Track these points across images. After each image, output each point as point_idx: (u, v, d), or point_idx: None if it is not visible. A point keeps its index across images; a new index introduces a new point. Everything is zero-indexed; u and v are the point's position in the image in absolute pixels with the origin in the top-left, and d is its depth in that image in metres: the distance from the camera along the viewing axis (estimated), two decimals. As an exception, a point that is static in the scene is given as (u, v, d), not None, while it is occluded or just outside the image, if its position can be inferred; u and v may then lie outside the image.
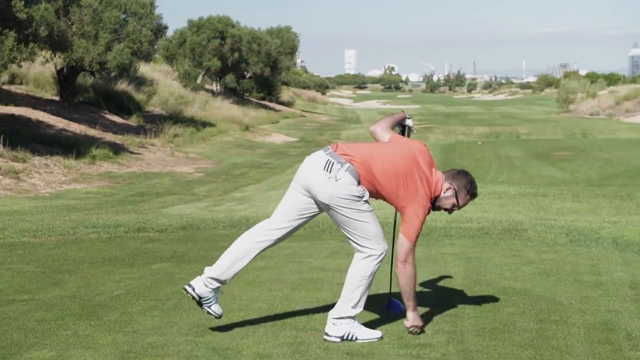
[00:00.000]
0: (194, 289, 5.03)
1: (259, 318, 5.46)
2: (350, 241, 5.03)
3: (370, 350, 4.80)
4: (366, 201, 4.94)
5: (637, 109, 55.13)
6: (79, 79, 28.42)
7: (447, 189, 5.09)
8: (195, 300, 5.05)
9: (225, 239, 8.89)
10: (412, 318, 5.06)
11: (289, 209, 5.04)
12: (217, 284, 5.05)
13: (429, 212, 5.05)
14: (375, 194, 5.01)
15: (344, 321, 4.98)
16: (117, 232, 9.29)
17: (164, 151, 25.13)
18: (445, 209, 5.16)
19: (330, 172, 4.87)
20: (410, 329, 5.07)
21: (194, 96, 39.28)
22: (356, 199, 4.89)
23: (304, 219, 5.06)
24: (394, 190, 4.95)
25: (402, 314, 5.37)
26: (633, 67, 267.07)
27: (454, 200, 5.11)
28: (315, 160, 4.98)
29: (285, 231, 5.05)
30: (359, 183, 4.89)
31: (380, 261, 5.02)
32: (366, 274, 4.98)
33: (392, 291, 5.55)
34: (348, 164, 4.88)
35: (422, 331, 5.08)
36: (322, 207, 4.98)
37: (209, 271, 5.06)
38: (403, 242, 4.97)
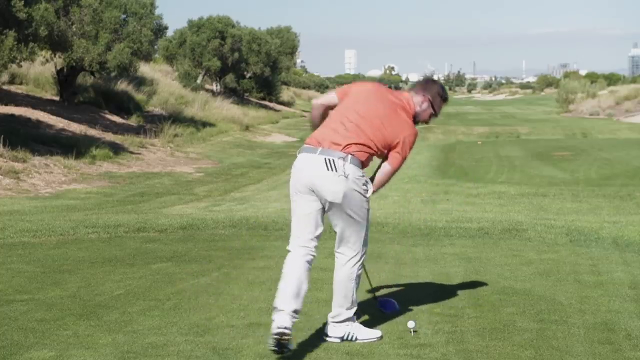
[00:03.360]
0: (286, 327, 4.64)
1: (259, 318, 5.46)
2: (342, 242, 4.93)
3: (370, 350, 4.80)
4: (368, 199, 4.90)
5: (637, 109, 55.14)
6: (79, 79, 28.42)
7: (422, 102, 5.12)
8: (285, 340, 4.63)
9: (225, 239, 8.91)
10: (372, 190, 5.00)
11: (306, 221, 4.88)
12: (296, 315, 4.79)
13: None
14: (376, 156, 4.98)
15: (344, 323, 4.98)
16: (117, 232, 9.29)
17: (164, 151, 25.13)
18: (424, 121, 5.18)
19: (336, 170, 4.74)
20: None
21: (194, 96, 39.28)
22: (364, 190, 4.82)
23: (321, 223, 4.91)
24: (384, 137, 4.89)
25: (398, 313, 5.38)
26: (633, 67, 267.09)
27: (430, 111, 5.16)
28: (313, 163, 4.81)
29: (314, 240, 4.91)
30: (362, 168, 4.84)
31: (363, 262, 5.05)
32: (353, 276, 4.97)
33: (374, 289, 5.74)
34: (349, 156, 4.77)
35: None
36: (328, 207, 4.84)
37: (289, 305, 4.73)
38: (396, 157, 4.96)
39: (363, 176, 4.83)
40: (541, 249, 8.26)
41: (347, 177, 4.74)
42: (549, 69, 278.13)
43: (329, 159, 4.76)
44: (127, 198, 15.55)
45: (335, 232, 4.94)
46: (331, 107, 5.11)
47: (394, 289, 6.33)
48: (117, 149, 22.51)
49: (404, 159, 4.97)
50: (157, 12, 28.19)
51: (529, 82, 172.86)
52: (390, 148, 4.94)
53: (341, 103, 5.03)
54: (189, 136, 29.10)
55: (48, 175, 17.77)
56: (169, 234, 9.31)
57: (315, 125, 5.15)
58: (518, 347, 4.85)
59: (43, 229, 9.27)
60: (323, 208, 4.85)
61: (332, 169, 4.74)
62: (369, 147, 4.85)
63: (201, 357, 4.68)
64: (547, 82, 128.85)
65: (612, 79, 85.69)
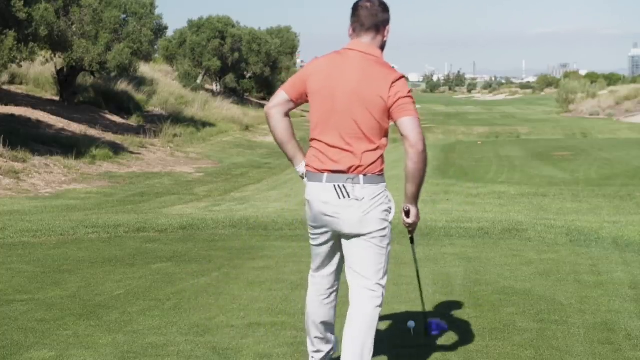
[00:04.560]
0: None
1: (259, 318, 5.46)
2: (359, 269, 4.00)
3: (370, 350, 4.79)
4: (390, 222, 4.07)
5: (637, 109, 55.14)
6: (79, 79, 28.43)
7: (383, 38, 4.08)
8: None
9: (225, 239, 8.91)
10: (416, 213, 4.20)
11: (323, 259, 4.17)
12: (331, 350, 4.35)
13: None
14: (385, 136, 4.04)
15: None
16: (117, 232, 9.29)
17: (164, 151, 25.12)
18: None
19: (349, 196, 3.92)
20: (410, 227, 4.28)
21: (194, 96, 39.29)
22: (386, 213, 4.02)
23: (341, 248, 4.14)
24: (375, 112, 3.93)
25: (398, 313, 5.36)
26: (633, 67, 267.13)
27: (387, 34, 4.06)
28: (323, 196, 3.97)
29: (335, 273, 4.23)
30: (380, 174, 4.00)
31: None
32: (375, 322, 3.99)
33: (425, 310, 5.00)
34: (359, 175, 3.93)
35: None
36: (342, 237, 4.05)
37: (322, 347, 4.30)
38: (412, 121, 3.91)
39: (381, 192, 3.99)
40: (541, 249, 8.26)
41: (360, 200, 3.93)
42: (549, 69, 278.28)
43: (336, 185, 3.96)
44: (127, 198, 15.55)
45: (347, 260, 4.09)
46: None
47: (394, 289, 6.33)
48: (117, 149, 22.51)
49: (417, 117, 3.95)
50: (157, 12, 28.23)
51: (529, 82, 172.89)
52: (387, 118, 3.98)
53: (320, 103, 4.10)
54: (189, 136, 29.10)
55: (48, 175, 17.77)
56: (169, 234, 9.31)
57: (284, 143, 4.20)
58: (518, 347, 4.85)
59: (43, 229, 9.27)
60: (339, 239, 4.08)
61: (342, 196, 3.95)
62: (371, 143, 3.98)
63: (201, 357, 4.68)
64: (547, 82, 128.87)
65: (612, 79, 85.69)
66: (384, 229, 4.01)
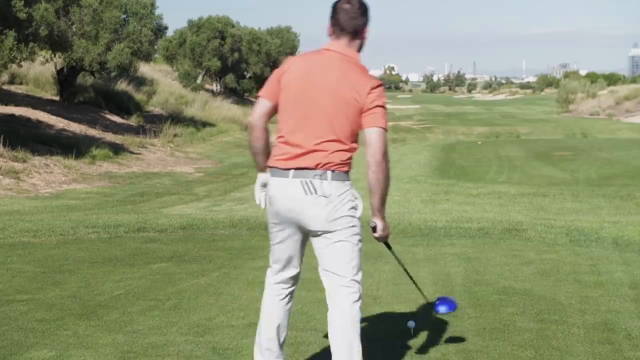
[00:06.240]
0: None
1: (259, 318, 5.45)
2: (332, 268, 3.95)
3: (370, 350, 4.79)
4: (359, 218, 3.98)
5: (637, 109, 55.16)
6: (79, 79, 28.44)
7: (362, 40, 4.07)
8: None
9: (225, 239, 8.91)
10: (383, 227, 4.04)
11: (285, 256, 4.08)
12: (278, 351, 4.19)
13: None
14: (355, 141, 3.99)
15: None
16: (117, 232, 9.29)
17: (164, 151, 25.13)
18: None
19: (316, 192, 3.86)
20: (381, 240, 4.12)
21: (194, 96, 39.31)
22: (353, 210, 3.93)
23: (303, 248, 4.11)
24: (349, 114, 3.90)
25: (398, 313, 5.36)
26: (633, 67, 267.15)
27: (366, 35, 4.06)
28: (289, 192, 3.91)
29: (296, 275, 4.17)
30: (347, 172, 3.93)
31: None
32: (357, 319, 3.96)
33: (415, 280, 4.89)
34: (327, 172, 3.87)
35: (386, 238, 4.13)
36: (308, 233, 3.99)
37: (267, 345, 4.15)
38: (378, 132, 3.87)
39: (348, 188, 3.92)
40: (541, 249, 8.27)
41: (328, 197, 3.87)
42: (549, 69, 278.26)
43: (303, 181, 3.89)
44: (127, 198, 15.55)
45: (319, 260, 4.03)
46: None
47: (394, 289, 6.33)
48: (117, 149, 22.51)
49: (385, 128, 3.92)
50: (157, 12, 28.28)
51: (529, 82, 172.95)
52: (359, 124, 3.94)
53: (294, 105, 4.03)
54: (189, 136, 29.12)
55: (48, 175, 17.77)
56: (169, 234, 9.31)
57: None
58: (518, 347, 4.85)
59: (43, 229, 9.27)
60: (305, 238, 4.04)
61: (309, 192, 3.88)
62: (343, 143, 3.92)
63: (201, 357, 4.68)
64: (547, 82, 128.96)
65: (612, 79, 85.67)
66: (354, 226, 3.94)
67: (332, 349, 3.94)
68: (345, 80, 3.91)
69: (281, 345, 4.17)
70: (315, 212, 3.88)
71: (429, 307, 5.69)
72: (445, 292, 6.27)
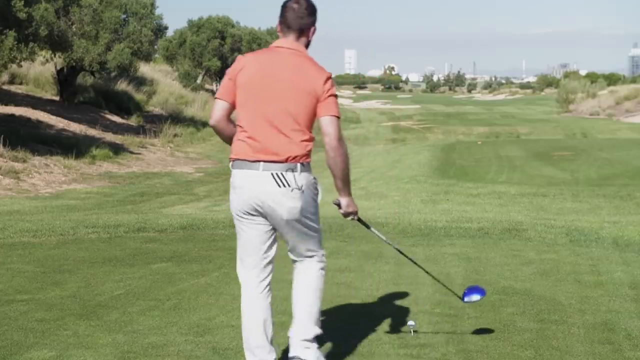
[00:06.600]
0: None
1: (259, 318, 5.44)
2: (302, 248, 4.27)
3: (370, 350, 4.79)
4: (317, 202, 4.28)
5: (637, 109, 55.16)
6: (79, 79, 28.45)
7: (308, 38, 4.25)
8: None
9: (225, 239, 8.90)
10: (347, 203, 4.31)
11: (255, 247, 4.26)
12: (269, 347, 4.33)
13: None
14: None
15: (314, 344, 4.32)
16: (117, 232, 9.29)
17: (164, 151, 25.13)
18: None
19: (287, 184, 4.07)
20: (348, 216, 4.37)
21: (194, 96, 39.33)
22: (317, 198, 4.23)
23: (275, 241, 4.30)
24: (308, 104, 4.11)
25: (398, 313, 5.35)
26: (633, 67, 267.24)
27: (312, 34, 4.26)
28: (257, 182, 4.08)
29: (269, 264, 4.34)
30: (309, 163, 4.16)
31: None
32: (321, 283, 4.35)
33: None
34: (297, 164, 4.07)
35: (355, 217, 4.40)
36: (280, 223, 4.17)
37: (266, 356, 4.31)
38: (333, 120, 4.12)
39: (313, 179, 4.18)
40: (541, 249, 8.26)
41: (300, 189, 4.10)
42: (549, 69, 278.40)
43: (274, 174, 4.07)
44: (127, 198, 15.55)
45: (288, 243, 4.29)
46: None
47: (394, 289, 6.33)
48: (117, 149, 22.52)
49: (338, 116, 4.17)
50: (157, 12, 28.29)
51: (529, 82, 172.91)
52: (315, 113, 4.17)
53: (253, 101, 4.19)
54: (189, 136, 29.12)
55: (48, 175, 17.78)
56: (169, 234, 9.31)
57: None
58: (518, 347, 4.85)
59: (43, 229, 9.27)
60: (273, 227, 4.22)
61: (281, 185, 4.08)
62: (302, 134, 4.13)
63: (201, 357, 4.68)
64: (547, 82, 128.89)
65: (612, 79, 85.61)
66: (317, 210, 4.25)
67: (295, 304, 4.35)
68: (301, 73, 4.13)
69: (271, 341, 4.30)
70: (291, 204, 4.10)
71: (429, 307, 5.70)
72: (445, 292, 6.26)
